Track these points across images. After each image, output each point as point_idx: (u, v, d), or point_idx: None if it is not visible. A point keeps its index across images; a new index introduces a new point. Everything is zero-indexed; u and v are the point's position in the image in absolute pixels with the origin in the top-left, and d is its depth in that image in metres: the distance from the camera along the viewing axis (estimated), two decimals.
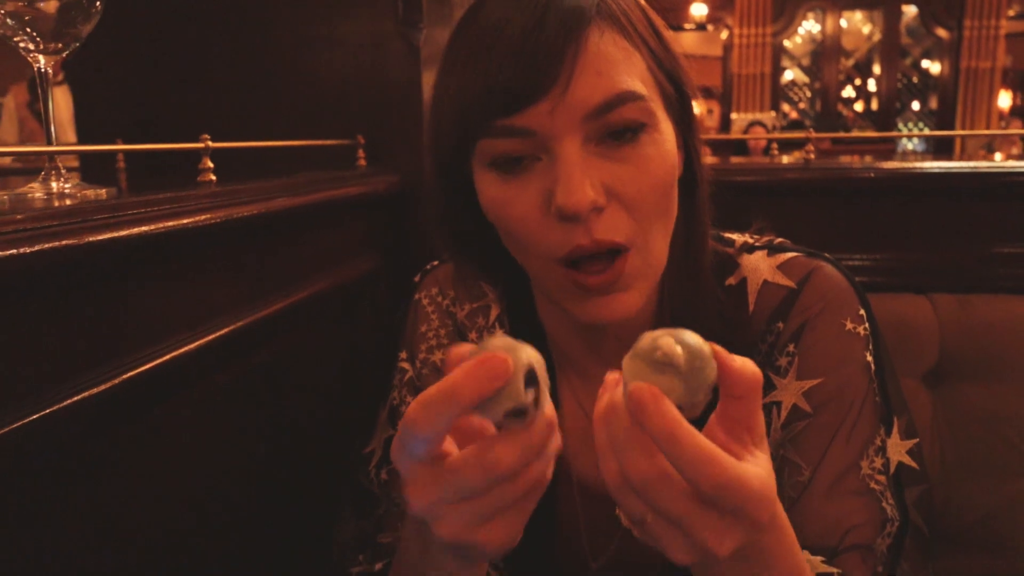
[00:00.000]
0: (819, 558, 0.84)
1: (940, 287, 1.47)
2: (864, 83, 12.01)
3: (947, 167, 1.57)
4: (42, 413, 0.71)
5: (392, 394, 1.08)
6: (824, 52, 11.63)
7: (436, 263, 1.12)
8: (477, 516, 0.59)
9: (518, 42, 0.75)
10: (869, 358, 0.93)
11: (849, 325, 0.93)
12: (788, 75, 11.87)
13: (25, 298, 0.74)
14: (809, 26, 11.62)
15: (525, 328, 1.03)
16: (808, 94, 11.87)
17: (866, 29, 11.61)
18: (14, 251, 0.66)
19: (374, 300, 1.54)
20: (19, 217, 0.73)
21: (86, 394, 0.76)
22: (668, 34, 0.86)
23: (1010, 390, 1.40)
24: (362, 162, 1.56)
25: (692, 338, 0.55)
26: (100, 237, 0.78)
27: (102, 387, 0.79)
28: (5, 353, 0.70)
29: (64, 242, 0.74)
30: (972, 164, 1.57)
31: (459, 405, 0.54)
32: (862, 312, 0.95)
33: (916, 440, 0.94)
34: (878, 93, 11.69)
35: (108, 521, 0.88)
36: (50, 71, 0.91)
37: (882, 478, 0.90)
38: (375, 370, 1.24)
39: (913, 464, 0.92)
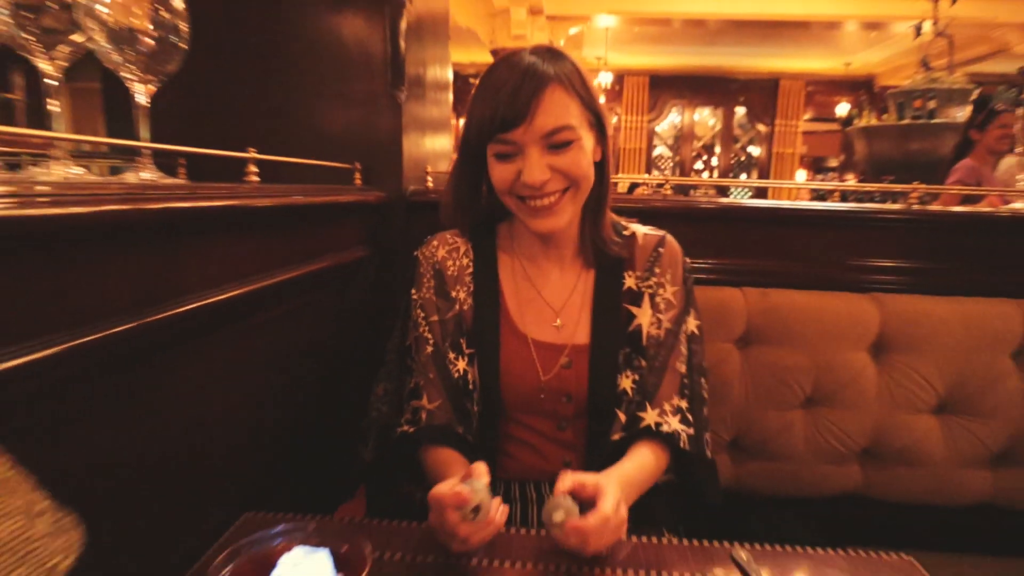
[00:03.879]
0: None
1: (749, 283, 1.51)
2: (709, 159, 12.23)
3: (756, 204, 1.65)
4: (145, 321, 0.73)
5: (415, 325, 1.16)
6: (682, 136, 11.86)
7: (428, 238, 1.20)
8: (452, 542, 0.82)
9: (508, 95, 0.95)
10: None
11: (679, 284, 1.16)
12: (657, 151, 12.04)
13: (138, 244, 0.75)
14: (673, 117, 11.82)
15: (483, 257, 1.16)
16: (671, 164, 12.04)
17: (711, 122, 11.89)
18: (132, 206, 0.68)
19: (364, 277, 1.54)
20: (126, 186, 0.74)
21: (172, 312, 0.79)
22: (593, 87, 1.03)
23: (790, 351, 1.45)
24: (358, 181, 1.57)
25: (567, 502, 0.81)
26: (183, 205, 0.80)
27: (182, 309, 0.81)
28: (125, 278, 0.72)
29: (163, 204, 0.76)
30: (768, 203, 1.66)
31: (443, 505, 0.79)
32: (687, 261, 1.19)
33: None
34: (719, 166, 11.94)
35: (187, 404, 0.90)
36: (146, 99, 0.91)
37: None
38: (361, 322, 1.25)
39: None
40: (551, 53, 1.00)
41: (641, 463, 1.02)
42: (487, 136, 0.99)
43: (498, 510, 0.82)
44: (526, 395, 1.10)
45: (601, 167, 1.06)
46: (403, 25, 1.59)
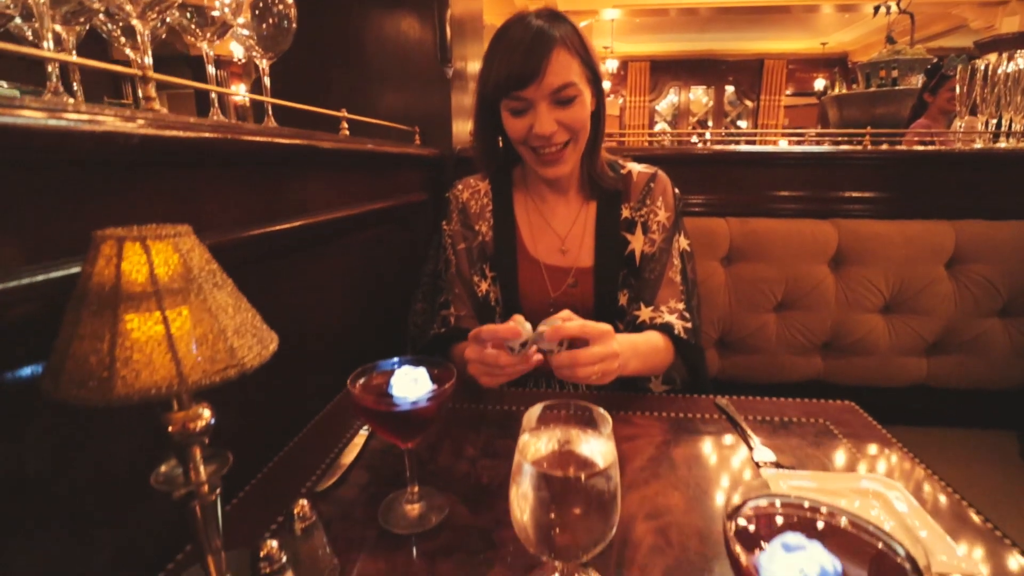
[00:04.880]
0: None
1: (731, 213, 1.57)
2: (703, 133, 11.98)
3: (740, 149, 1.69)
4: (251, 233, 0.82)
5: (444, 250, 1.19)
6: (679, 113, 11.61)
7: (455, 182, 1.23)
8: (485, 374, 0.85)
9: (521, 56, 0.95)
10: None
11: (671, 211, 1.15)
12: (658, 126, 11.81)
13: (276, 168, 0.86)
14: (671, 97, 11.56)
15: (501, 196, 1.17)
16: (670, 139, 11.78)
17: (704, 100, 11.59)
18: (267, 139, 0.79)
19: (424, 217, 1.65)
20: (268, 129, 0.84)
21: (274, 228, 0.87)
22: (590, 45, 1.02)
23: (765, 266, 1.52)
24: (417, 141, 1.67)
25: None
26: (296, 142, 0.90)
27: (282, 226, 0.90)
28: (241, 199, 0.81)
29: (293, 140, 0.86)
30: (749, 148, 1.70)
31: (499, 337, 0.81)
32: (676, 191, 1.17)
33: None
34: (711, 139, 11.68)
35: (310, 295, 1.02)
36: (266, 68, 1.01)
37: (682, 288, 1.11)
38: (422, 253, 1.36)
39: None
40: (554, 16, 0.99)
41: (646, 337, 1.02)
42: (503, 92, 0.98)
43: (534, 353, 0.84)
44: (540, 310, 1.09)
45: (596, 116, 1.06)
46: (448, 14, 1.67)
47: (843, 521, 0.41)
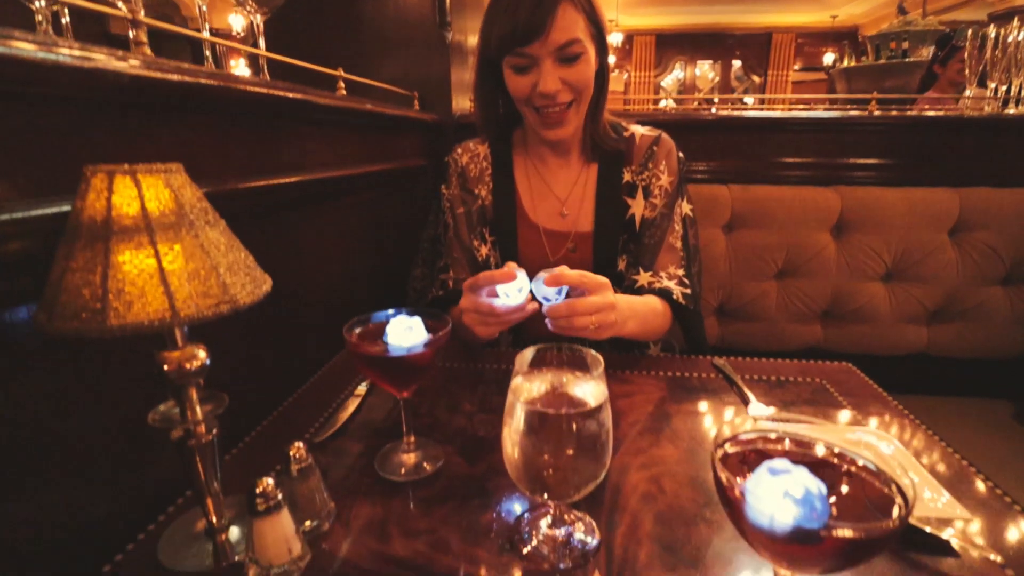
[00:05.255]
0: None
1: (734, 181, 1.56)
2: (709, 109, 11.81)
3: (745, 114, 1.66)
4: (246, 185, 0.83)
5: (442, 214, 1.17)
6: (685, 88, 11.43)
7: (455, 146, 1.20)
8: (481, 322, 0.83)
9: (527, 11, 0.92)
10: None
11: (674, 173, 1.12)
12: (663, 104, 11.67)
13: (272, 123, 0.85)
14: (676, 72, 11.38)
15: (500, 159, 1.15)
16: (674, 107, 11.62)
17: (711, 75, 11.42)
18: (266, 91, 0.78)
19: (424, 183, 1.64)
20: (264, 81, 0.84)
21: (269, 182, 0.87)
22: (598, 3, 0.99)
23: (767, 233, 1.51)
24: (416, 105, 1.65)
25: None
26: (291, 95, 0.89)
27: (277, 181, 0.90)
28: (235, 151, 0.81)
29: (278, 92, 0.85)
30: (754, 113, 1.67)
31: (495, 281, 0.80)
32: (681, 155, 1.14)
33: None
34: (717, 106, 11.51)
35: (308, 252, 1.02)
36: (260, 25, 0.99)
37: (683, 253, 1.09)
38: (422, 218, 1.35)
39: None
40: None
41: (644, 300, 1.00)
42: (507, 49, 0.95)
43: (530, 300, 0.82)
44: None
45: (600, 75, 1.03)
46: None
47: (831, 451, 0.42)
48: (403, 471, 0.69)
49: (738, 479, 0.37)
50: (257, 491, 0.52)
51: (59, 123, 0.52)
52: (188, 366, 0.51)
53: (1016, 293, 1.46)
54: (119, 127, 0.59)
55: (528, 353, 0.54)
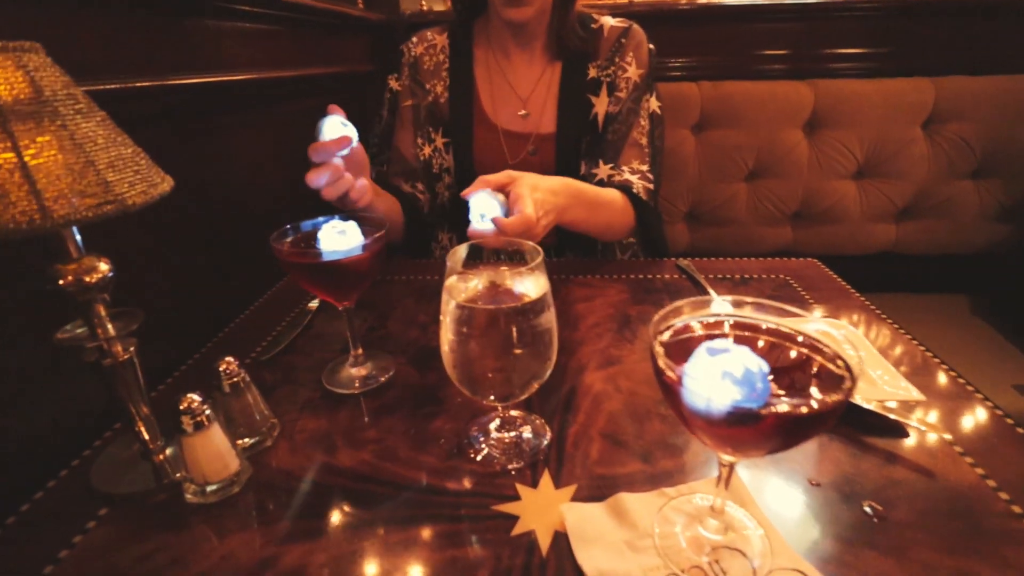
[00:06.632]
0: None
1: (705, 77, 1.48)
2: None
3: (722, 2, 1.55)
4: (143, 84, 0.75)
5: (381, 105, 1.09)
6: None
7: (412, 35, 1.11)
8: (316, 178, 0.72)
9: None
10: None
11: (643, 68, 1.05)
12: None
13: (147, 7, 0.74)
14: None
15: (459, 52, 1.07)
16: None
17: None
18: None
19: (372, 88, 1.52)
20: None
21: (176, 81, 0.82)
22: None
23: (735, 132, 1.46)
24: (360, 3, 1.51)
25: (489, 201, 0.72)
26: None
27: (186, 80, 0.83)
28: (127, 42, 0.73)
29: None
30: (741, 1, 1.56)
31: (329, 150, 0.72)
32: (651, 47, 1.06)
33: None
34: None
35: (242, 158, 0.95)
36: None
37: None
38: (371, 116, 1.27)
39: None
40: None
41: (597, 188, 0.93)
42: None
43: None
44: None
45: None
46: None
47: (777, 331, 0.39)
48: (352, 383, 0.66)
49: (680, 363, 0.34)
50: (181, 407, 0.49)
51: None
52: (88, 280, 0.47)
53: (985, 187, 1.45)
54: None
55: (461, 250, 0.50)
